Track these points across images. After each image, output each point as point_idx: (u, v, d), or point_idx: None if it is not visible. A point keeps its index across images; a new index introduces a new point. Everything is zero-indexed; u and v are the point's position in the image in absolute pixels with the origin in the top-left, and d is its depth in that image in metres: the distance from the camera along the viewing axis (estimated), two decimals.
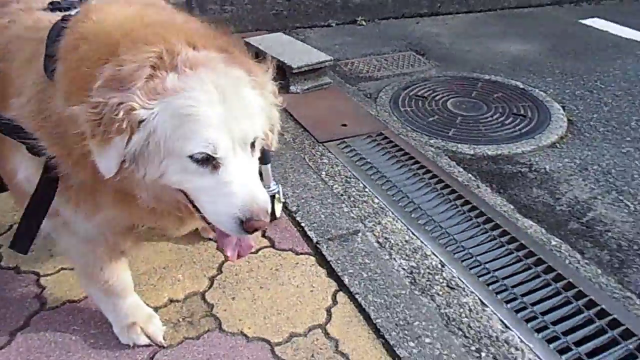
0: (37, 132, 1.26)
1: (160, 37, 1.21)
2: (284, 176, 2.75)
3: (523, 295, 2.11)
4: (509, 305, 2.06)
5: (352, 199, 2.66)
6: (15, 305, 1.95)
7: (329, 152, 3.07)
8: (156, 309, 1.92)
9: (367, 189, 2.74)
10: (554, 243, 2.44)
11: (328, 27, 5.44)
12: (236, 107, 1.22)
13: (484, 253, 2.33)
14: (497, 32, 5.44)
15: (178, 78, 1.18)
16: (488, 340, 1.91)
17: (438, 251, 2.33)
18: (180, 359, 1.76)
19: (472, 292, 2.11)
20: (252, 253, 2.08)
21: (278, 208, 2.43)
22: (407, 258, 2.28)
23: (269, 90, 1.36)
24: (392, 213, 2.56)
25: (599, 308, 2.06)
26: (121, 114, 1.13)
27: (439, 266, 2.24)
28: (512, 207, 2.72)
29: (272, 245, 2.29)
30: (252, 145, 1.30)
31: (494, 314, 2.02)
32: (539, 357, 1.85)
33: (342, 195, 2.68)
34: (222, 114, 1.19)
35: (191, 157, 1.19)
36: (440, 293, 2.11)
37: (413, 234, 2.43)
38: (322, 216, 2.48)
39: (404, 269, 2.22)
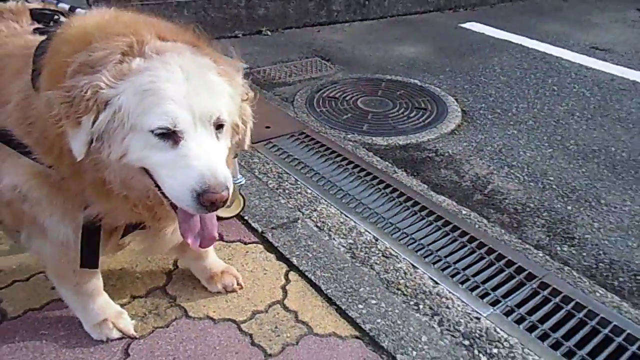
0: (25, 138, 1.34)
1: (132, 30, 1.31)
2: None
3: (446, 256, 2.47)
4: (435, 266, 2.40)
5: (287, 191, 2.88)
6: None
7: (258, 152, 3.26)
8: (122, 306, 1.99)
9: (299, 182, 2.98)
10: (464, 212, 2.85)
11: (235, 38, 5.61)
12: (199, 85, 1.27)
13: (409, 226, 2.66)
14: (391, 37, 5.95)
15: (144, 61, 1.26)
16: (423, 295, 2.23)
17: (370, 228, 2.62)
18: (154, 346, 1.87)
19: (404, 259, 2.42)
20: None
21: (240, 202, 2.54)
22: (344, 237, 2.55)
23: (238, 82, 1.45)
24: (325, 200, 2.82)
25: (506, 259, 2.47)
26: (89, 93, 1.20)
27: (373, 240, 2.54)
28: (425, 186, 3.10)
29: (221, 239, 2.44)
30: (218, 127, 1.34)
31: (425, 273, 2.35)
32: (465, 303, 2.20)
33: (277, 189, 2.89)
34: (184, 90, 1.24)
35: (152, 131, 1.23)
36: (378, 262, 2.39)
37: (346, 216, 2.70)
38: (263, 209, 2.67)
39: (343, 246, 2.48)
